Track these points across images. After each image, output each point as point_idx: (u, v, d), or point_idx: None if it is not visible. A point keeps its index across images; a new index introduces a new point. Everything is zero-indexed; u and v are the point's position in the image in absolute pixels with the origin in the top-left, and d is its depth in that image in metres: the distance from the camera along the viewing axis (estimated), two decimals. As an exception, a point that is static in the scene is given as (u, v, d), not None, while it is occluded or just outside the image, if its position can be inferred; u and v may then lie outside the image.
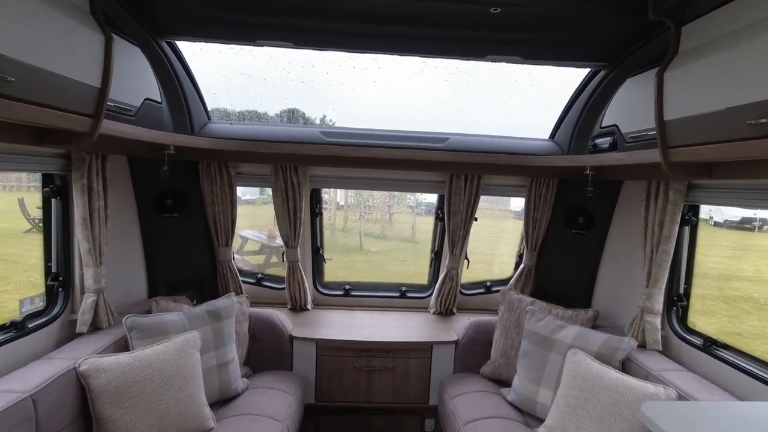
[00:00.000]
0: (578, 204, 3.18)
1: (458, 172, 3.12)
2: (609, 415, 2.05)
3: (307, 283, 3.53)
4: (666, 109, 1.90)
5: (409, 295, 3.70)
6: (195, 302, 3.12)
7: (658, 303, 2.41)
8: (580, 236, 3.21)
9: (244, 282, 3.47)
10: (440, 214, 3.48)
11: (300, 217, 3.21)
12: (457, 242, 3.32)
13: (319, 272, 3.72)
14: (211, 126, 2.93)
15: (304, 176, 3.15)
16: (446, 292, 3.47)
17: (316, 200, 3.46)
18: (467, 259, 3.52)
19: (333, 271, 6.66)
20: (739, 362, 2.05)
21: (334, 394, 3.02)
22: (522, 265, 3.42)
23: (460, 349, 3.03)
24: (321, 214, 3.53)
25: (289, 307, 3.50)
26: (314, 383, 3.00)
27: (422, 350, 3.02)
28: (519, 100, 2.97)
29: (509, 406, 2.61)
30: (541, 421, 2.46)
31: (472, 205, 3.22)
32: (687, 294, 2.43)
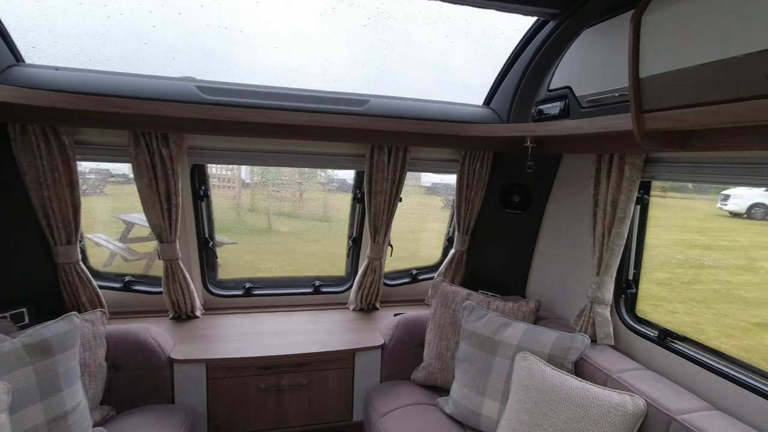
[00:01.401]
0: (514, 181, 2.83)
1: (381, 143, 2.56)
2: (571, 435, 1.70)
3: (194, 285, 2.77)
4: (643, 64, 1.51)
5: (325, 290, 3.11)
6: (27, 323, 2.24)
7: (609, 292, 2.13)
8: (515, 217, 2.88)
9: (104, 288, 2.59)
10: (358, 194, 2.91)
11: (176, 203, 2.41)
12: (380, 227, 2.79)
13: (211, 269, 2.96)
14: (23, 70, 1.97)
15: (178, 147, 2.34)
16: (368, 286, 2.95)
17: (199, 179, 2.67)
18: (391, 246, 3.02)
19: (239, 256, 5.75)
20: (699, 357, 1.83)
21: (235, 424, 2.36)
22: (452, 251, 3.01)
23: (388, 353, 2.55)
24: (207, 197, 2.74)
25: (171, 316, 2.72)
26: (206, 415, 2.31)
27: (343, 359, 2.48)
28: (453, 56, 2.47)
29: (448, 420, 2.19)
30: (485, 437, 2.08)
31: (397, 184, 2.70)
32: (636, 280, 2.18)
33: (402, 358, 2.56)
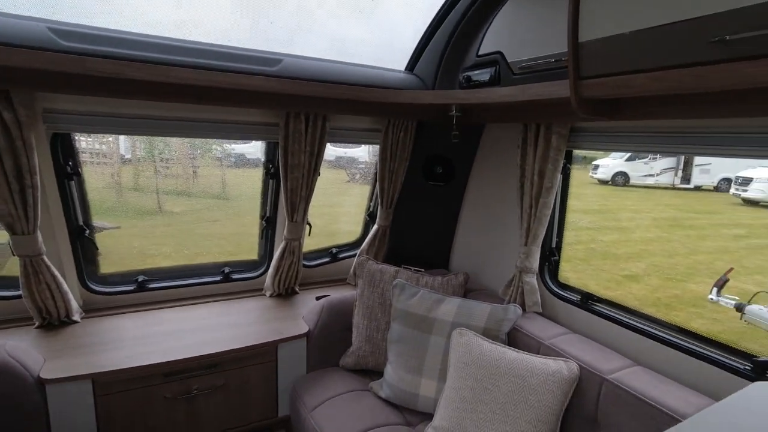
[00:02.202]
0: (436, 152, 2.73)
1: (297, 109, 2.25)
2: (514, 405, 1.68)
3: (68, 284, 2.24)
4: (582, 28, 1.45)
5: (236, 276, 2.76)
6: None
7: (536, 261, 2.15)
8: (438, 189, 2.80)
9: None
10: (272, 168, 2.58)
11: (32, 184, 1.86)
12: (298, 205, 2.51)
13: (90, 262, 2.42)
14: None
15: (28, 110, 1.78)
16: (286, 269, 2.67)
17: (65, 153, 2.11)
18: (309, 225, 2.76)
19: (125, 242, 4.98)
20: (618, 316, 1.93)
21: None
22: (375, 227, 2.86)
23: (314, 341, 2.33)
24: (78, 174, 2.19)
25: (37, 324, 2.17)
26: None
27: (263, 353, 2.21)
28: (377, 15, 2.23)
29: (384, 404, 2.08)
30: (424, 416, 2.01)
31: (316, 156, 2.42)
32: (559, 248, 2.24)
33: (329, 344, 2.38)
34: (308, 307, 2.53)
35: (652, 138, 1.74)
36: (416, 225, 2.94)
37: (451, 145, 2.50)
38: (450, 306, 2.08)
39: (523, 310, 2.18)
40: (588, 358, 1.74)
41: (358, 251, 2.96)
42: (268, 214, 2.72)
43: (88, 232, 2.30)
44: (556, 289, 2.20)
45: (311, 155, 2.39)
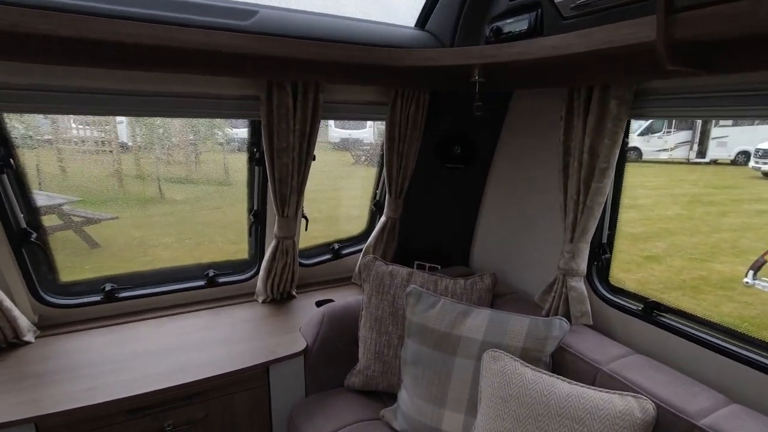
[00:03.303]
0: (453, 129, 2.26)
1: (281, 77, 1.78)
2: (570, 460, 1.28)
3: (17, 297, 1.84)
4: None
5: (222, 280, 2.35)
6: None
7: (584, 261, 1.71)
8: (456, 173, 2.34)
9: None
10: (256, 153, 2.14)
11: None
12: (288, 197, 2.07)
13: (48, 269, 2.03)
14: None
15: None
16: (279, 271, 2.25)
17: (-4, 138, 1.68)
18: (305, 218, 2.33)
19: (126, 232, 4.64)
20: (689, 329, 1.50)
21: None
22: (383, 219, 2.42)
23: (313, 358, 1.93)
24: (11, 166, 1.75)
25: (-28, 349, 1.78)
26: None
27: (253, 378, 1.81)
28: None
29: (399, 439, 1.69)
30: (448, 457, 1.61)
31: (309, 137, 1.97)
32: (611, 243, 1.79)
33: (331, 361, 1.97)
34: (307, 316, 2.12)
35: (751, 99, 1.27)
36: (431, 215, 2.50)
37: (472, 120, 2.03)
38: (479, 320, 1.65)
39: (568, 321, 1.75)
40: (665, 393, 1.31)
41: (363, 247, 2.53)
42: (256, 208, 2.28)
43: (35, 236, 1.89)
44: (608, 295, 1.76)
45: (302, 136, 1.93)
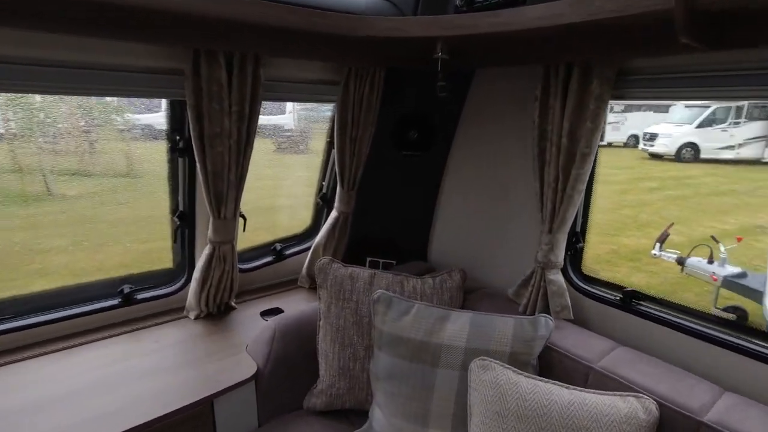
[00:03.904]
0: (410, 112, 2.06)
1: (212, 45, 1.43)
2: (578, 475, 1.16)
3: None
4: None
5: (142, 296, 1.93)
6: None
7: (562, 253, 1.62)
8: (413, 160, 2.15)
9: None
10: (180, 142, 1.75)
11: None
12: (226, 194, 1.72)
13: None
14: None
15: None
16: (216, 281, 1.89)
17: None
18: (243, 218, 1.99)
19: (3, 237, 3.81)
20: (672, 318, 1.47)
21: None
22: (335, 214, 2.15)
23: (266, 382, 1.64)
24: None
25: None
26: None
27: (193, 418, 1.48)
28: None
29: (375, 467, 1.48)
30: (433, 479, 1.44)
31: (248, 120, 1.63)
32: (583, 231, 1.72)
33: (288, 381, 1.70)
34: (253, 331, 1.81)
35: (736, 78, 1.22)
36: (384, 206, 2.29)
37: (430, 102, 1.84)
38: (459, 324, 1.49)
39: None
40: (663, 389, 1.25)
41: (311, 245, 2.25)
42: (182, 208, 1.89)
43: None
44: (584, 286, 1.69)
45: (240, 119, 1.59)
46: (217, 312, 2.00)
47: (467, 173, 2.10)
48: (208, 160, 1.59)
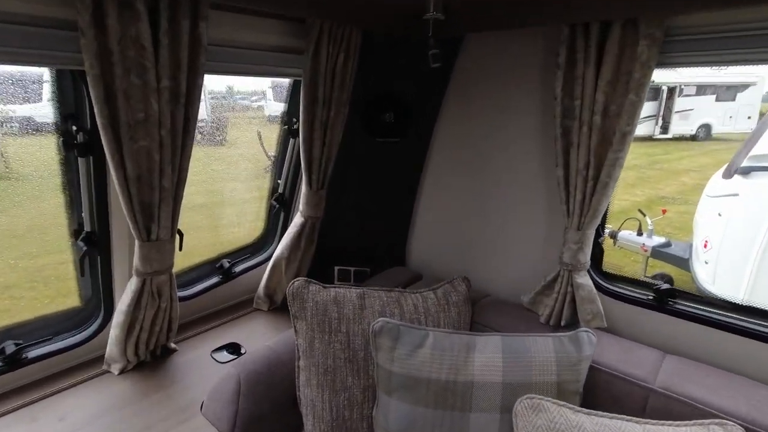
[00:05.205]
0: (384, 90, 1.69)
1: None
2: None
3: None
4: None
5: (37, 352, 1.37)
6: None
7: (590, 251, 1.38)
8: (388, 147, 1.79)
9: None
10: (76, 133, 1.22)
11: None
12: (158, 207, 1.23)
13: None
14: None
15: None
16: (149, 324, 1.40)
17: None
18: (180, 234, 1.49)
19: None
20: (715, 316, 1.31)
21: None
22: (300, 219, 1.72)
23: None
24: None
25: None
26: None
27: None
28: None
29: None
30: None
31: (187, 98, 1.16)
32: (603, 225, 1.50)
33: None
34: (206, 380, 1.37)
35: None
36: (354, 206, 1.91)
37: (407, 77, 1.50)
38: (489, 353, 1.19)
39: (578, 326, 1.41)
40: (742, 409, 1.06)
41: (267, 257, 1.81)
42: (90, 228, 1.35)
43: None
44: (608, 286, 1.47)
45: (175, 98, 1.11)
46: (151, 359, 1.51)
47: (454, 161, 1.79)
48: (127, 160, 1.09)
